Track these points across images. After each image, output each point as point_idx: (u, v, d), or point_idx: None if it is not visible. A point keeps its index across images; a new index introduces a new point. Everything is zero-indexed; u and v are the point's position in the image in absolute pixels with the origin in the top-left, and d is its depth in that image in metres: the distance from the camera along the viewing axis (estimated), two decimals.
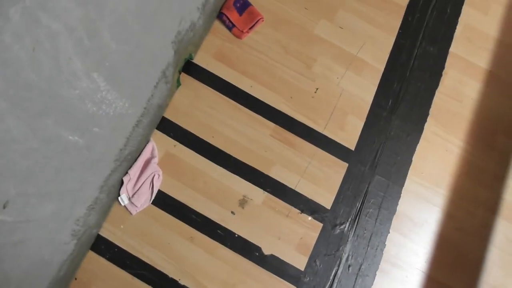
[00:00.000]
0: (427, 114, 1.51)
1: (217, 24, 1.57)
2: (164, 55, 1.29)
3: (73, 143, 0.96)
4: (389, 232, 1.38)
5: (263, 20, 1.57)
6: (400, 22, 1.62)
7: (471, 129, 1.52)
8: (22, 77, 0.71)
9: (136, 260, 1.30)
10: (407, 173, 1.44)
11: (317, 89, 1.52)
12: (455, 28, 1.63)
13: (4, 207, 0.81)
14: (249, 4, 1.58)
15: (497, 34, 1.64)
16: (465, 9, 1.65)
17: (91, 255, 1.31)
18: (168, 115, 1.45)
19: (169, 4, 1.16)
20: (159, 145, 1.41)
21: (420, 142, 1.48)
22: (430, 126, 1.51)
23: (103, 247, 1.31)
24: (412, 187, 1.43)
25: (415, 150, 1.47)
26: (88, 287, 1.29)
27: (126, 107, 1.15)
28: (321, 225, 1.37)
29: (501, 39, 1.63)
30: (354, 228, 1.38)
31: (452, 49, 1.61)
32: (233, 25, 1.56)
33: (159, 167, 1.38)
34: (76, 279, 1.29)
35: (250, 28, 1.56)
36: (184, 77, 1.49)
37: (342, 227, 1.37)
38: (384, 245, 1.37)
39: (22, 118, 0.76)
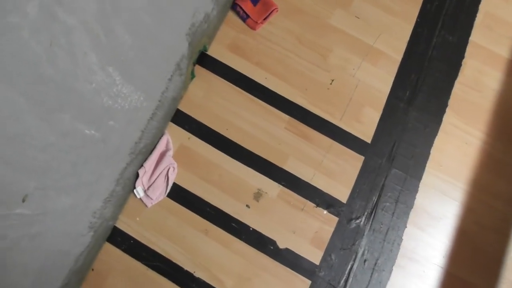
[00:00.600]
0: (446, 105, 1.48)
1: (231, 15, 1.55)
2: (178, 48, 1.28)
3: (90, 137, 0.96)
4: (406, 227, 1.36)
5: (277, 11, 1.55)
6: (418, 11, 1.58)
7: (492, 121, 1.47)
8: (39, 72, 0.71)
9: (151, 252, 1.31)
10: (425, 166, 1.41)
11: (332, 80, 1.49)
12: (475, 16, 1.58)
13: (23, 201, 0.82)
14: None
15: None
16: None
17: (108, 246, 1.32)
18: (183, 107, 1.44)
19: (175, 5, 1.15)
20: (173, 137, 1.41)
21: (438, 134, 1.45)
22: (449, 118, 1.47)
23: (119, 239, 1.32)
24: (430, 180, 1.40)
25: (433, 142, 1.44)
26: (105, 278, 1.30)
27: (141, 100, 1.15)
28: (336, 219, 1.36)
29: None
30: (370, 222, 1.36)
31: (472, 38, 1.56)
32: (247, 16, 1.54)
33: (174, 159, 1.38)
34: (93, 270, 1.30)
35: (265, 18, 1.54)
36: (198, 69, 1.48)
37: (358, 221, 1.36)
38: (401, 240, 1.35)
39: (39, 113, 0.76)
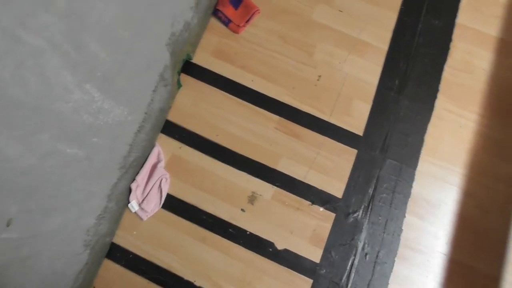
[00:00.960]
0: (437, 91, 1.45)
1: (213, 21, 1.56)
2: (160, 59, 1.28)
3: (72, 156, 0.96)
4: (405, 217, 1.34)
5: (259, 12, 1.55)
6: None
7: (486, 101, 1.44)
8: (9, 96, 0.71)
9: (151, 265, 1.31)
10: (420, 154, 1.39)
11: (319, 76, 1.48)
12: None
13: (7, 225, 0.82)
14: None
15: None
16: None
17: (107, 263, 1.32)
18: (172, 117, 1.45)
19: (158, 7, 1.15)
20: (164, 148, 1.41)
21: (431, 121, 1.42)
22: (441, 103, 1.44)
23: (118, 254, 1.33)
24: (426, 168, 1.38)
25: (426, 129, 1.41)
26: None
27: (125, 115, 1.15)
28: (333, 215, 1.34)
29: (511, 3, 1.55)
30: (368, 215, 1.34)
31: (458, 20, 1.53)
32: (229, 20, 1.54)
33: (166, 170, 1.38)
34: (94, 287, 1.31)
35: (247, 21, 1.53)
36: (185, 77, 1.48)
37: (355, 215, 1.34)
38: (401, 230, 1.33)
39: (15, 136, 0.76)
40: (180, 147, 1.41)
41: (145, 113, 1.28)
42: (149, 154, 1.38)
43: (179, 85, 1.47)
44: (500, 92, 1.45)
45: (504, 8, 1.54)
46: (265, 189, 1.37)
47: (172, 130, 1.43)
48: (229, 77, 1.48)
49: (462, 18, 1.54)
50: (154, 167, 1.38)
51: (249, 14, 1.53)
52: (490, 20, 1.53)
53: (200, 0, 1.42)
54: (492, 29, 1.52)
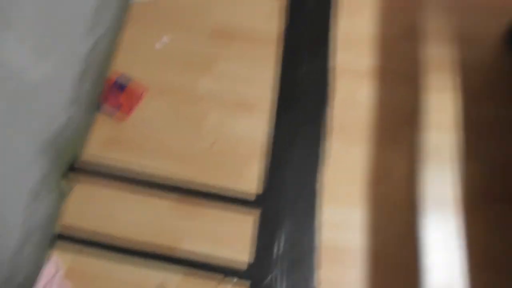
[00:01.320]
0: (325, 134, 1.47)
1: (100, 114, 1.54)
2: (33, 168, 1.22)
3: None
4: (316, 271, 1.27)
5: (144, 95, 1.56)
6: (276, 54, 1.61)
7: (374, 131, 1.49)
8: None
9: None
10: (319, 202, 1.36)
11: (212, 143, 1.48)
12: (334, 39, 1.62)
13: None
14: (127, 83, 1.57)
15: (376, 29, 1.66)
16: (339, 18, 1.66)
17: None
18: (65, 222, 1.37)
19: (17, 120, 1.12)
20: (60, 259, 1.32)
21: (325, 165, 1.42)
22: (331, 145, 1.46)
23: None
24: (327, 214, 1.35)
25: (321, 175, 1.41)
26: None
27: None
28: (248, 282, 1.27)
29: (382, 32, 1.66)
30: (281, 277, 1.27)
31: (335, 61, 1.59)
32: (117, 108, 1.53)
33: (66, 281, 1.29)
34: None
35: (133, 106, 1.54)
36: (75, 177, 1.43)
37: (268, 279, 1.27)
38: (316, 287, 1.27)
39: None
40: (76, 255, 1.32)
41: (26, 228, 1.20)
42: (43, 269, 1.29)
43: (67, 188, 1.41)
44: (386, 118, 1.50)
45: (375, 37, 1.65)
46: (173, 276, 1.28)
47: (67, 237, 1.34)
48: (121, 167, 1.44)
49: (338, 58, 1.60)
50: (51, 281, 1.28)
51: (135, 98, 1.55)
52: (364, 52, 1.62)
53: (78, 97, 1.40)
54: (368, 60, 1.61)
